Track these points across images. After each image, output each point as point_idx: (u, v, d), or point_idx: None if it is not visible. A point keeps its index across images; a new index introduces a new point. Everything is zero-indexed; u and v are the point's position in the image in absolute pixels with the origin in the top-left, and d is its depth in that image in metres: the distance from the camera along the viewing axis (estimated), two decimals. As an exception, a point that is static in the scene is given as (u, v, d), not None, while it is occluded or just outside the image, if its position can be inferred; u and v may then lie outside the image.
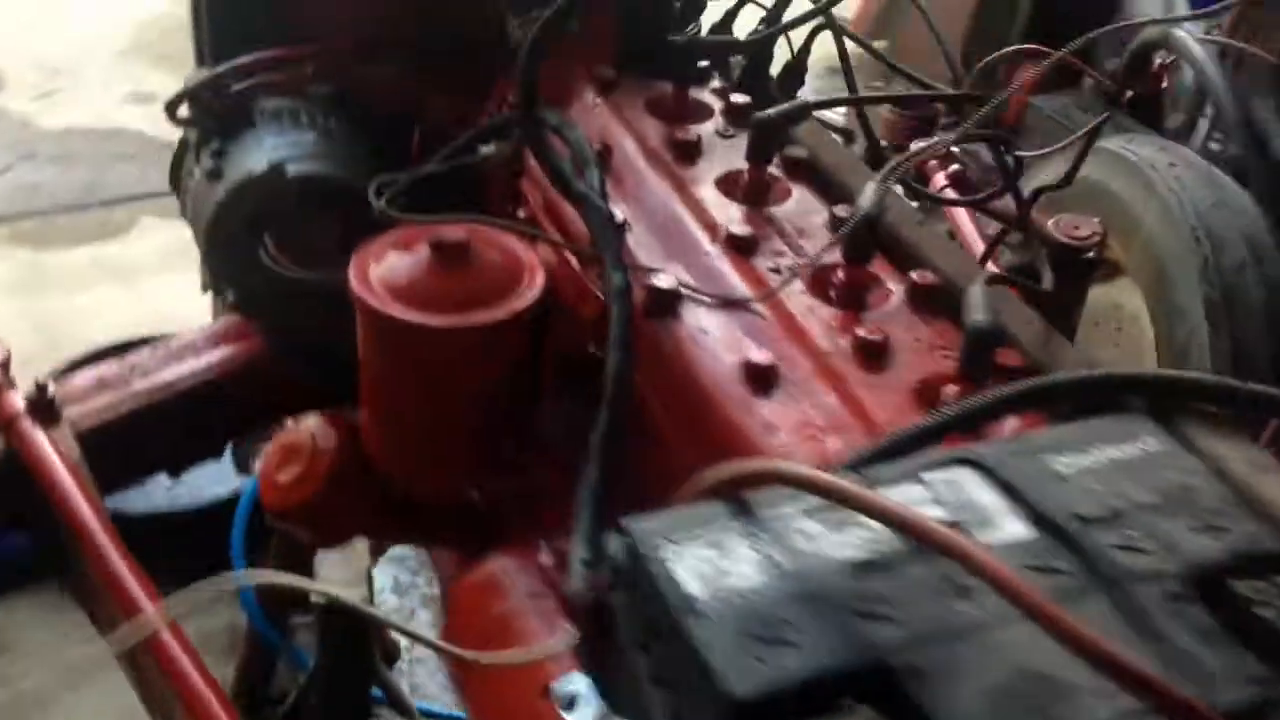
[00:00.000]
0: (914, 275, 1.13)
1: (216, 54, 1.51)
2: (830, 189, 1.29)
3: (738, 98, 1.40)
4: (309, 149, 1.32)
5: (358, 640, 2.17)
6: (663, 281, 1.11)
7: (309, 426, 1.32)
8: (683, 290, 1.11)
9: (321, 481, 1.28)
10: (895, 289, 1.14)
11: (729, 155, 1.33)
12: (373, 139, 1.42)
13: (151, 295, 3.73)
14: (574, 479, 1.28)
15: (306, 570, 2.48)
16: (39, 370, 3.05)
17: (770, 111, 1.24)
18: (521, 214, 1.31)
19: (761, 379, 1.02)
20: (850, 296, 1.13)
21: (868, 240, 1.10)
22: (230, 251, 1.33)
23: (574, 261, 1.20)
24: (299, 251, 1.32)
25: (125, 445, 1.52)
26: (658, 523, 0.73)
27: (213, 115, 1.35)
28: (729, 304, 1.10)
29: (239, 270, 1.34)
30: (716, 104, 1.41)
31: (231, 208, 1.30)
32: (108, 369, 1.59)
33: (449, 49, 1.48)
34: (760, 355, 1.03)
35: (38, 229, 4.00)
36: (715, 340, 1.07)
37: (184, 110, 1.43)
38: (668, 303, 1.10)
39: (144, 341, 3.16)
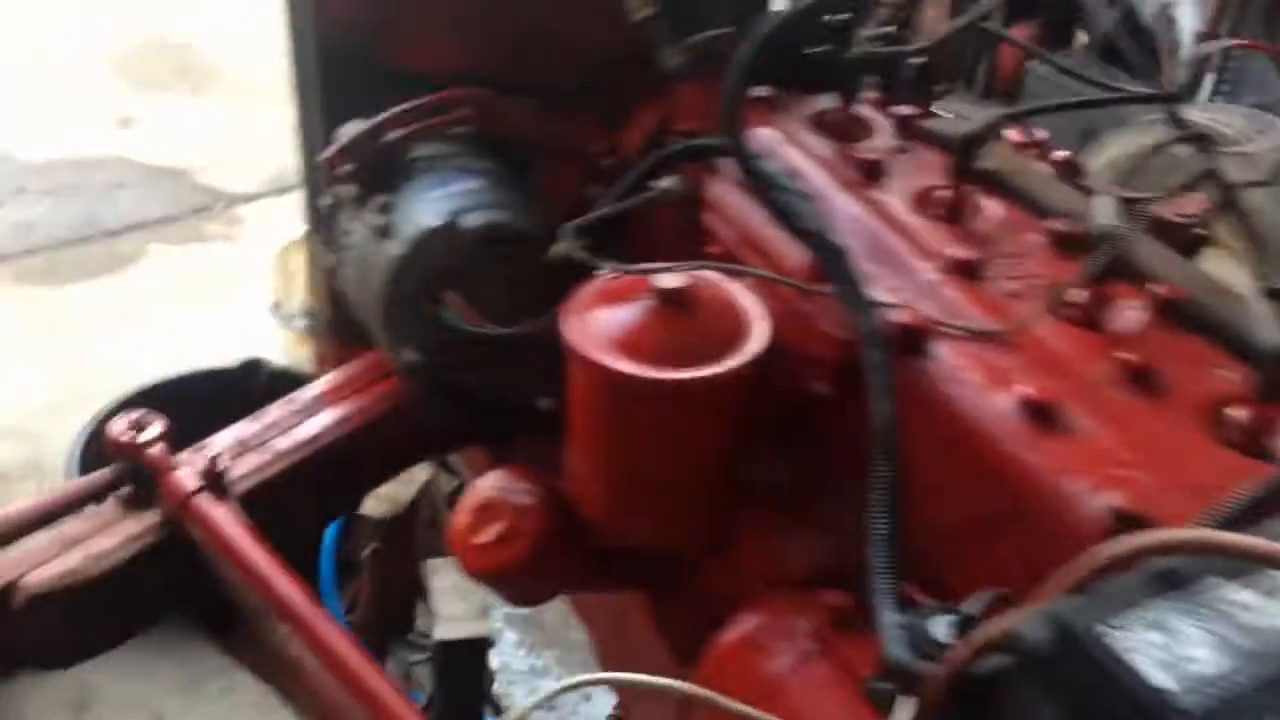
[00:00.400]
0: (1154, 289, 1.09)
1: (332, 108, 1.45)
2: (1025, 202, 1.25)
3: (904, 109, 1.36)
4: (480, 198, 1.26)
5: (476, 672, 2.14)
6: (908, 317, 1.07)
7: (501, 484, 1.27)
8: (932, 325, 1.07)
9: (528, 540, 1.23)
10: (1136, 304, 1.10)
11: (912, 171, 1.29)
12: (521, 177, 1.36)
13: (173, 326, 3.64)
14: (787, 526, 1.26)
15: (409, 606, 2.44)
16: (72, 418, 2.98)
17: (972, 126, 1.20)
18: (713, 250, 1.26)
19: (1042, 415, 0.99)
20: (1095, 317, 1.09)
21: (1114, 258, 1.07)
22: (409, 310, 1.27)
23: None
24: (477, 304, 1.26)
25: (278, 508, 1.45)
26: (1083, 603, 0.69)
27: (373, 169, 1.29)
28: (979, 336, 1.06)
29: (418, 329, 1.28)
30: (881, 117, 1.37)
31: (410, 265, 1.24)
32: (244, 430, 1.52)
33: (583, 80, 1.43)
34: (1035, 389, 1.00)
35: (43, 266, 3.89)
36: (978, 376, 1.03)
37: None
38: (916, 339, 1.06)
39: (182, 380, 3.11)
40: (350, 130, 1.31)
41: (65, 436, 2.97)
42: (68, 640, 1.33)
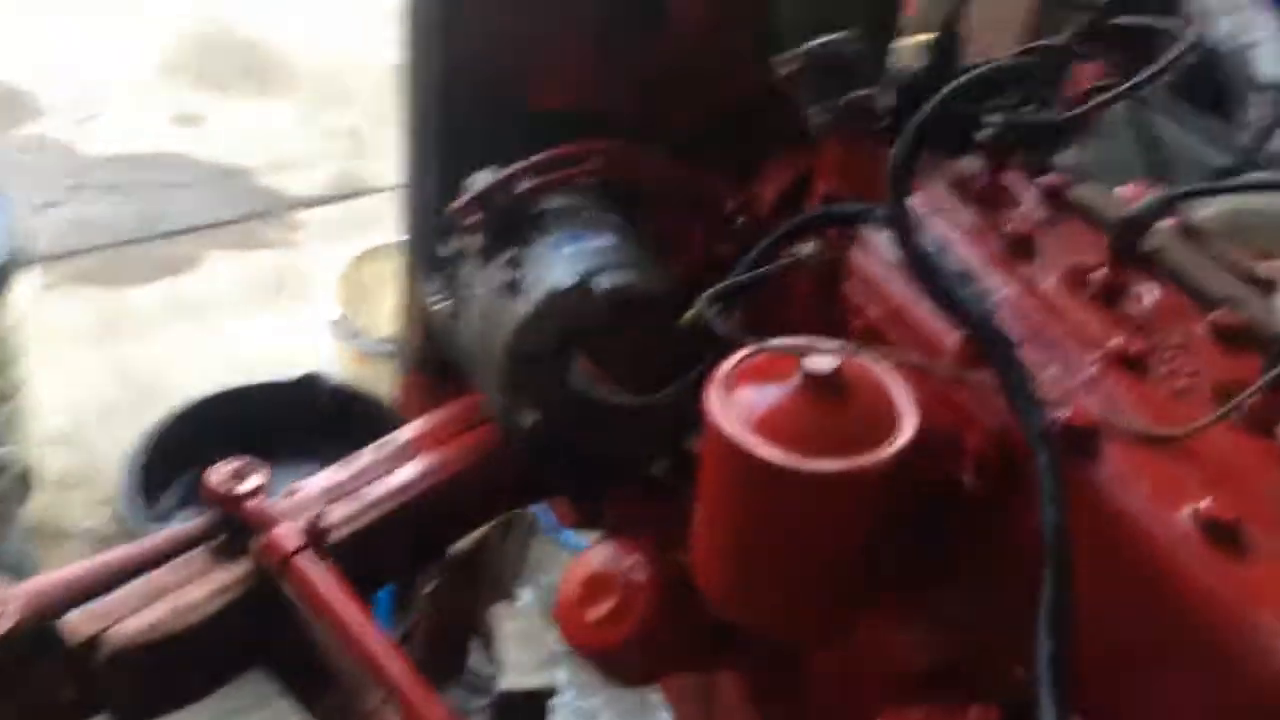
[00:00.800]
0: (1333, 395, 1.02)
1: (450, 144, 1.40)
2: (1186, 287, 1.18)
3: (1051, 178, 1.29)
4: (612, 257, 1.20)
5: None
6: (1077, 415, 1.00)
7: (614, 557, 1.22)
8: (1102, 425, 1.00)
9: (641, 618, 1.17)
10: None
11: (1063, 247, 1.22)
12: (650, 231, 1.31)
13: (230, 334, 3.61)
14: (911, 620, 1.19)
15: (464, 646, 2.38)
16: (126, 426, 2.94)
17: (1140, 208, 1.13)
18: (855, 324, 1.20)
19: (1225, 535, 0.92)
20: (1272, 424, 1.02)
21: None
22: (533, 371, 1.22)
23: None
24: (601, 366, 1.20)
25: (369, 558, 1.40)
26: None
27: (503, 221, 1.23)
28: (1151, 439, 0.99)
29: (544, 392, 1.22)
30: (1026, 186, 1.30)
31: (539, 325, 1.18)
32: (332, 477, 1.46)
33: (716, 127, 1.37)
34: (1217, 506, 0.93)
35: (102, 267, 3.86)
36: (1153, 485, 0.96)
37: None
38: (1085, 440, 0.99)
39: (239, 393, 3.07)
40: (481, 180, 1.25)
41: (118, 444, 2.94)
42: (150, 694, 1.29)
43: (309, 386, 3.08)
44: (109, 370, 3.42)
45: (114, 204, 4.17)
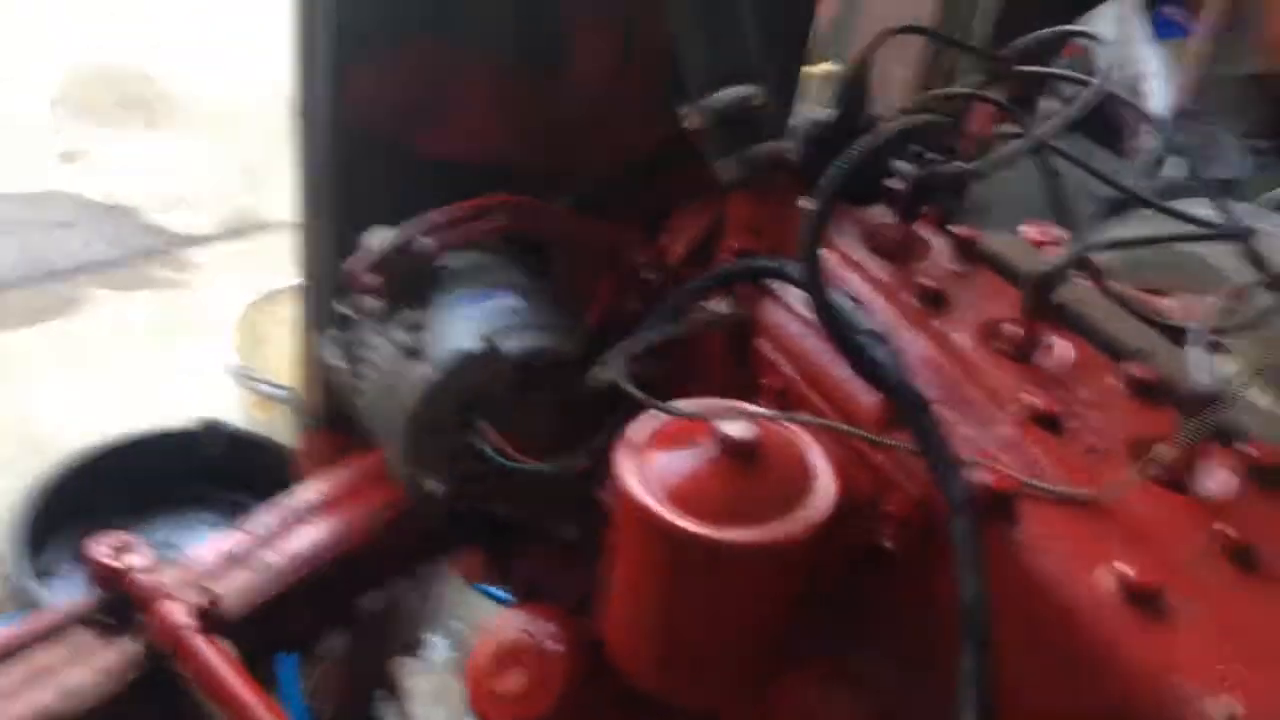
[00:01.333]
0: (1246, 449, 1.02)
1: (346, 196, 1.35)
2: (1098, 340, 1.18)
3: (962, 229, 1.28)
4: (518, 318, 1.16)
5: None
6: (995, 478, 0.98)
7: (526, 626, 1.17)
8: (1020, 487, 0.98)
9: (556, 692, 1.13)
10: (1227, 466, 1.03)
11: (975, 301, 1.21)
12: (556, 285, 1.27)
13: (115, 379, 3.49)
14: (830, 688, 1.17)
15: (371, 699, 2.31)
16: (13, 478, 2.82)
17: (1052, 264, 1.12)
18: (769, 383, 1.17)
19: (1143, 599, 0.91)
20: (1185, 479, 1.02)
21: (1215, 424, 0.99)
22: (436, 438, 1.17)
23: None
24: (507, 430, 1.16)
25: (268, 634, 1.34)
26: None
27: (402, 282, 1.18)
28: (1069, 500, 0.98)
29: (448, 460, 1.18)
30: (937, 237, 1.29)
31: (442, 391, 1.14)
32: (227, 542, 1.40)
33: (625, 177, 1.34)
34: (1133, 567, 0.92)
35: (-15, 310, 3.71)
36: (1071, 549, 0.95)
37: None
38: (1003, 504, 0.98)
39: (134, 442, 2.96)
40: (378, 239, 1.21)
41: (6, 496, 2.82)
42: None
43: (206, 434, 2.98)
44: (-4, 418, 3.29)
45: (-1, 245, 4.02)
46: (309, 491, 1.50)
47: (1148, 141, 4.09)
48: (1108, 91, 1.22)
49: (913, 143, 1.35)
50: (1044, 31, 1.35)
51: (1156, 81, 4.21)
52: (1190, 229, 1.24)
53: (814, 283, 1.02)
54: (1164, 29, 4.28)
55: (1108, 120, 4.12)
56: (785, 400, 1.15)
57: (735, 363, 1.21)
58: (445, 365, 1.14)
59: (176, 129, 4.82)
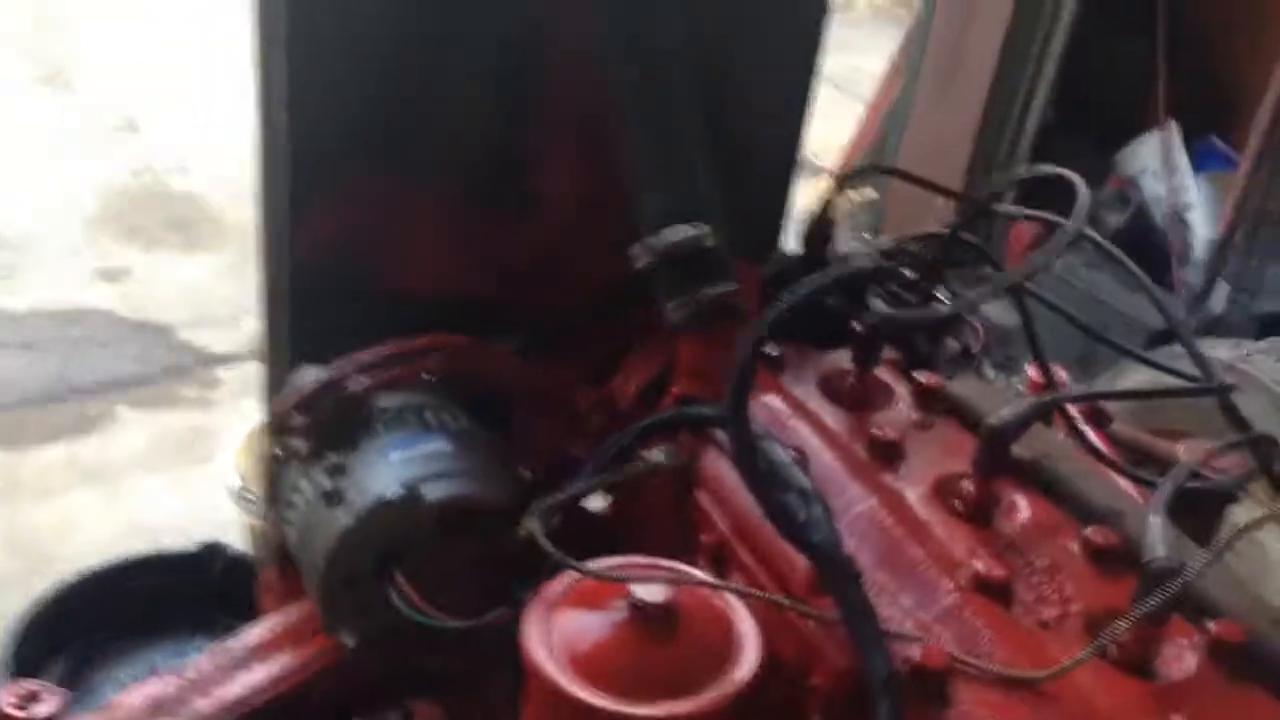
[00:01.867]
0: (1212, 627, 0.93)
1: (303, 325, 1.31)
2: (1062, 499, 1.10)
3: (925, 377, 1.22)
4: (445, 464, 1.11)
5: None
6: (926, 655, 0.90)
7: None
8: (953, 665, 0.90)
9: None
10: (1188, 645, 0.94)
11: (933, 454, 1.14)
12: (493, 429, 1.21)
13: (132, 498, 3.46)
14: None
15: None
16: (20, 594, 2.78)
17: (1006, 417, 1.05)
18: (705, 539, 1.10)
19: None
20: (1142, 660, 0.93)
21: (1175, 602, 0.91)
22: (353, 590, 1.11)
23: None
24: (431, 586, 1.09)
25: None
26: None
27: (328, 423, 1.13)
28: (1010, 681, 0.90)
29: (362, 611, 1.12)
30: (899, 384, 1.23)
31: (357, 540, 1.08)
32: (162, 686, 1.33)
33: (576, 314, 1.30)
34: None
35: (7, 426, 3.72)
36: (1008, 735, 0.87)
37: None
38: (935, 684, 0.90)
39: (132, 563, 2.92)
40: (307, 378, 1.16)
41: (4, 616, 2.78)
42: None
43: (207, 556, 2.93)
44: (6, 536, 3.27)
45: (26, 362, 4.04)
46: (253, 633, 1.43)
47: (1192, 275, 4.01)
48: (1080, 232, 1.15)
49: (887, 284, 1.29)
50: (1018, 170, 1.30)
51: (1200, 212, 4.14)
52: (1174, 382, 1.16)
53: (739, 434, 0.95)
54: (1209, 160, 4.22)
55: (1155, 250, 4.04)
56: (720, 558, 1.07)
57: (677, 516, 1.14)
58: (361, 513, 1.08)
59: (214, 248, 4.88)
